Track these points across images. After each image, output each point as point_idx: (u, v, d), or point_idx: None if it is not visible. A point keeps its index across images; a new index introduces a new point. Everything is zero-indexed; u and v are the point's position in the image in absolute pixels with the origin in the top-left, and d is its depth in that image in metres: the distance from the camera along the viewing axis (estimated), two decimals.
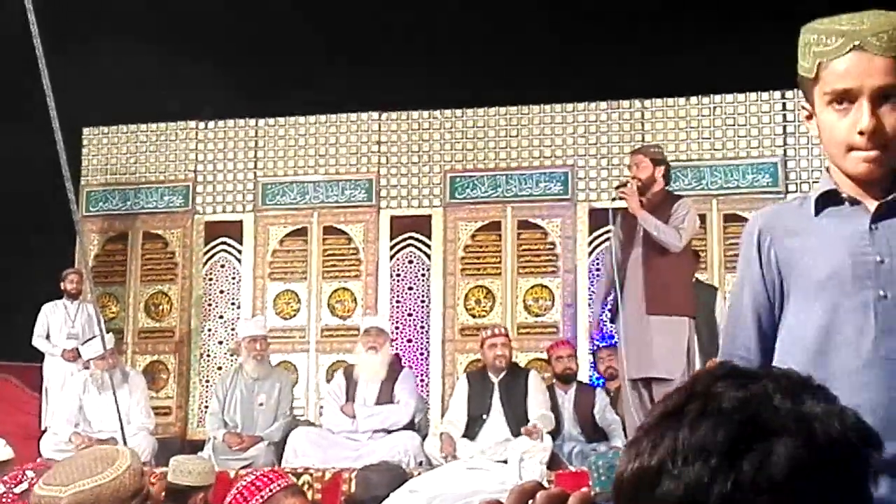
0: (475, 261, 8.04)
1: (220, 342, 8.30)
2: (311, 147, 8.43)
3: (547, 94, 8.09)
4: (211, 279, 8.41)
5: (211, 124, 8.61)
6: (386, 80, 8.14)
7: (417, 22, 8.12)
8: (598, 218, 7.56)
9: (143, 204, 8.55)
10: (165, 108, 8.45)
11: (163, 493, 4.44)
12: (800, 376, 0.85)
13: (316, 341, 8.14)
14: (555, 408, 6.25)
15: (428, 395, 7.68)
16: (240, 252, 8.38)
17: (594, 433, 6.30)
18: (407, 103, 8.28)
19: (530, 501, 0.82)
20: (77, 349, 7.30)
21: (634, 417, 5.30)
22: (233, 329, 8.03)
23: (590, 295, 7.73)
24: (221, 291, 8.38)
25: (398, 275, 8.14)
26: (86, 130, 8.71)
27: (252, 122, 8.57)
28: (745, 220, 5.34)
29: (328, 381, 7.74)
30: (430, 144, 8.28)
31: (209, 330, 8.35)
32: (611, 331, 6.53)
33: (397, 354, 7.16)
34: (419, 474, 3.65)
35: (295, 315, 8.21)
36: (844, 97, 1.70)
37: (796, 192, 7.44)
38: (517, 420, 6.00)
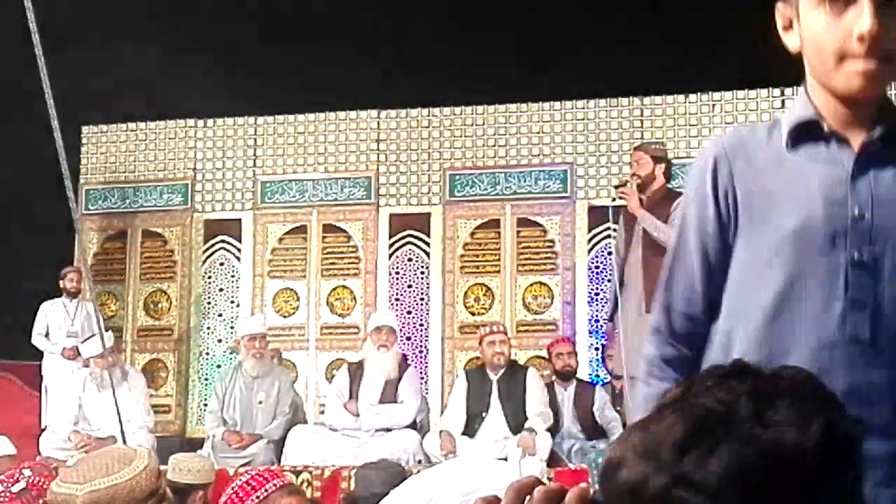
0: (474, 258, 8.04)
1: (220, 340, 8.30)
2: (310, 145, 8.43)
3: (546, 92, 8.08)
4: (210, 277, 8.40)
5: (210, 122, 8.61)
6: (385, 77, 8.14)
7: (416, 19, 8.11)
8: (597, 215, 7.57)
9: (142, 202, 8.55)
10: (165, 107, 8.44)
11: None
12: (800, 377, 0.84)
13: (315, 339, 8.15)
14: (554, 405, 6.24)
15: (427, 393, 7.67)
16: (239, 250, 8.38)
17: (594, 430, 6.29)
18: (406, 101, 8.28)
19: (528, 497, 0.82)
20: (76, 347, 7.29)
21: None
22: (232, 327, 8.04)
23: (589, 292, 7.73)
24: (221, 289, 8.37)
25: (397, 272, 8.13)
26: (85, 129, 8.71)
27: (251, 120, 8.57)
28: None
29: (327, 378, 7.74)
30: (429, 142, 8.28)
31: (208, 328, 8.35)
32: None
33: (404, 354, 7.16)
34: (418, 472, 3.65)
35: (294, 313, 8.21)
36: None
37: None
38: (516, 417, 6.00)
